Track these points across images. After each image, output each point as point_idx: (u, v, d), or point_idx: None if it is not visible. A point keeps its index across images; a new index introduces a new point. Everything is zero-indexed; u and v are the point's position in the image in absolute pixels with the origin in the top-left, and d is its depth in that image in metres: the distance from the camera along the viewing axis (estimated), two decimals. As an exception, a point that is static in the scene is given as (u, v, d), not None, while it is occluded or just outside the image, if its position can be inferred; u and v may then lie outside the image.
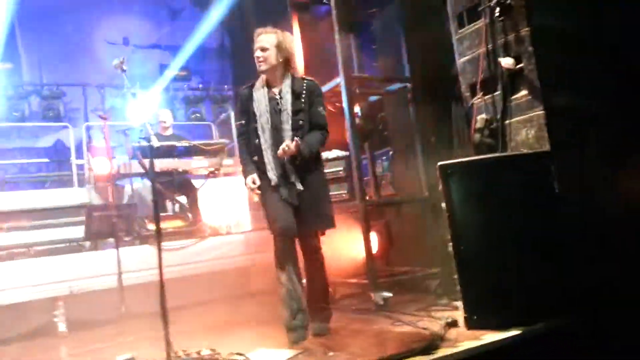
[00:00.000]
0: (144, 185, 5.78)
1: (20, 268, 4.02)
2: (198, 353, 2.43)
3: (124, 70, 2.86)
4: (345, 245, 4.20)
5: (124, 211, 4.79)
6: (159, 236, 2.44)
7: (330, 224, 3.03)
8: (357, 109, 4.10)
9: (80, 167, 6.49)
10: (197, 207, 5.42)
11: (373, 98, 4.46)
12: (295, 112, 2.91)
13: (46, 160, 7.40)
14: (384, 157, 5.32)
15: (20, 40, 7.79)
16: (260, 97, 2.95)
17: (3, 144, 7.38)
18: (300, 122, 2.91)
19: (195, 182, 5.51)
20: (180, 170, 5.27)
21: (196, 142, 5.30)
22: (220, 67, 8.59)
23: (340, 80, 3.79)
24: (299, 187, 2.88)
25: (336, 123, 4.61)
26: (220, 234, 5.29)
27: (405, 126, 4.18)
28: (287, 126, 2.88)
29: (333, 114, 4.48)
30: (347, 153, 5.48)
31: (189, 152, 5.30)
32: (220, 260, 4.71)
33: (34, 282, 3.87)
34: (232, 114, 7.76)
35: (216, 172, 5.49)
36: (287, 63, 2.96)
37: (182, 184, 5.39)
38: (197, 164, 5.35)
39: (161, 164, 5.01)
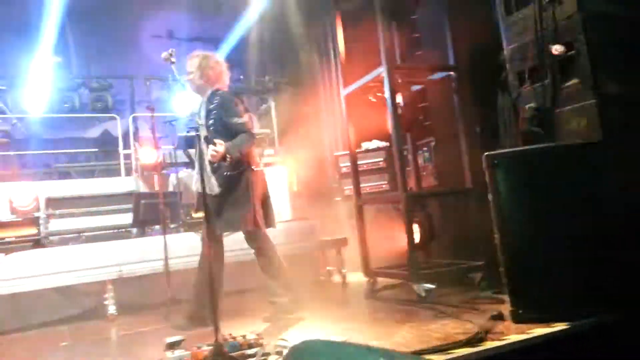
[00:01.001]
0: (188, 174, 5.92)
1: (72, 252, 4.20)
2: (243, 337, 2.48)
3: (172, 62, 2.93)
4: (386, 236, 4.19)
5: (169, 199, 4.93)
6: (206, 223, 2.50)
7: (231, 228, 3.24)
8: (399, 98, 4.06)
9: (127, 156, 6.71)
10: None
11: (415, 87, 4.40)
12: (207, 127, 3.18)
13: (95, 150, 7.68)
14: (425, 148, 5.26)
15: (70, 35, 8.08)
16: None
17: (54, 134, 7.71)
18: (209, 136, 3.12)
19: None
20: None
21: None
22: (261, 59, 8.65)
23: (382, 69, 3.76)
24: (215, 191, 3.16)
25: (377, 113, 4.59)
26: (261, 223, 5.36)
27: (448, 116, 4.10)
28: (202, 141, 3.11)
29: (374, 104, 4.46)
30: (387, 144, 5.47)
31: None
32: (262, 249, 4.77)
33: (85, 266, 4.04)
34: (272, 105, 7.85)
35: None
36: (211, 81, 3.25)
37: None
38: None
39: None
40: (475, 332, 2.44)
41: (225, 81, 3.35)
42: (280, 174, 6.34)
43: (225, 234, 3.34)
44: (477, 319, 2.75)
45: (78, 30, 8.04)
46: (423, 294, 3.29)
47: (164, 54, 2.98)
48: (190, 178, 5.96)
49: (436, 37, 4.35)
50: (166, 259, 4.04)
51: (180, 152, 5.15)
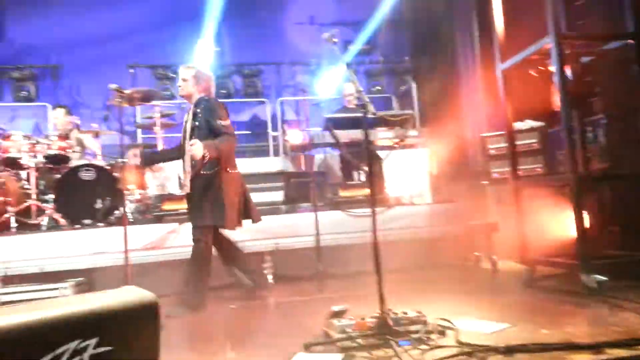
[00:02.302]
0: (331, 155, 6.10)
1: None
2: (405, 313, 2.49)
3: (334, 43, 2.99)
4: (546, 222, 3.91)
5: (316, 178, 5.12)
6: (373, 203, 2.55)
7: (193, 223, 3.58)
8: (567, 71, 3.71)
9: (274, 138, 7.14)
10: (381, 177, 5.55)
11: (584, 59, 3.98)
12: (191, 129, 3.56)
13: (246, 132, 8.28)
14: (589, 127, 4.78)
15: (222, 25, 8.74)
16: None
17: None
18: (193, 137, 3.49)
19: (380, 153, 5.62)
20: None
21: (383, 113, 5.37)
22: (400, 39, 8.54)
23: (548, 40, 3.46)
24: (186, 189, 3.66)
25: (534, 89, 4.27)
26: (404, 204, 5.35)
27: (625, 90, 3.66)
28: (187, 141, 3.55)
29: (533, 79, 4.15)
30: (541, 123, 5.07)
31: (375, 123, 5.41)
32: (407, 230, 4.76)
33: (246, 237, 4.38)
34: (413, 86, 7.72)
35: (400, 143, 5.53)
36: (201, 89, 3.64)
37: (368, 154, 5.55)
38: (383, 135, 5.45)
39: (349, 135, 5.22)
40: (670, 330, 2.17)
41: (212, 91, 3.75)
42: (421, 156, 6.23)
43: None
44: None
45: (230, 20, 8.64)
46: (594, 286, 3.01)
47: (325, 35, 3.05)
48: (334, 159, 6.16)
49: (608, 2, 3.90)
50: (317, 234, 4.22)
51: (326, 133, 5.30)
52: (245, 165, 6.32)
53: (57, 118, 5.59)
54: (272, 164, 6.37)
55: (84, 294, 1.96)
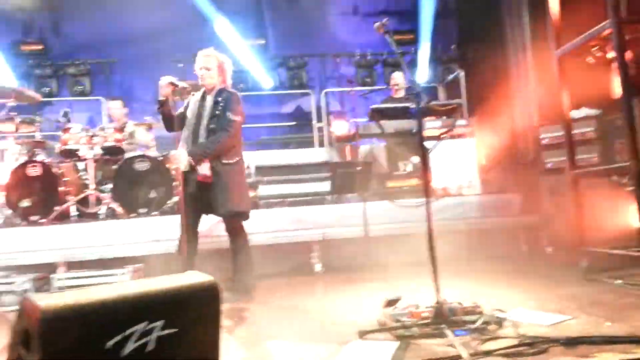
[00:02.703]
0: (377, 146, 6.07)
1: (283, 214, 4.65)
2: (460, 304, 2.47)
3: (387, 32, 2.96)
4: (603, 213, 3.77)
5: (363, 169, 5.12)
6: (426, 193, 2.51)
7: (229, 209, 3.38)
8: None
9: (319, 129, 7.16)
10: (428, 167, 5.47)
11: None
12: (210, 118, 3.44)
13: (292, 123, 8.35)
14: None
15: (267, 18, 8.81)
16: (191, 103, 3.57)
17: (258, 110, 8.58)
18: (212, 125, 3.42)
19: (427, 144, 5.54)
20: (413, 131, 5.35)
21: (431, 103, 5.29)
22: (446, 28, 8.36)
23: (608, 24, 3.32)
24: (201, 172, 3.36)
25: (590, 76, 4.10)
26: (452, 195, 5.27)
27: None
28: (202, 128, 3.43)
29: (589, 65, 3.98)
30: (597, 111, 4.87)
31: (422, 113, 5.33)
32: (456, 221, 4.70)
33: (294, 227, 4.44)
34: (461, 75, 7.55)
35: (449, 133, 5.43)
36: (223, 79, 3.55)
37: (414, 144, 5.49)
38: (430, 125, 5.36)
39: (395, 125, 5.17)
40: None
41: (229, 82, 3.64)
42: (469, 146, 6.11)
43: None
44: None
45: (273, 13, 8.70)
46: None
47: (377, 24, 3.02)
48: (380, 149, 6.13)
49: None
50: (366, 225, 4.22)
51: (372, 124, 5.27)
52: (290, 156, 6.42)
53: (114, 108, 5.82)
54: (318, 154, 6.40)
55: (147, 279, 2.04)
